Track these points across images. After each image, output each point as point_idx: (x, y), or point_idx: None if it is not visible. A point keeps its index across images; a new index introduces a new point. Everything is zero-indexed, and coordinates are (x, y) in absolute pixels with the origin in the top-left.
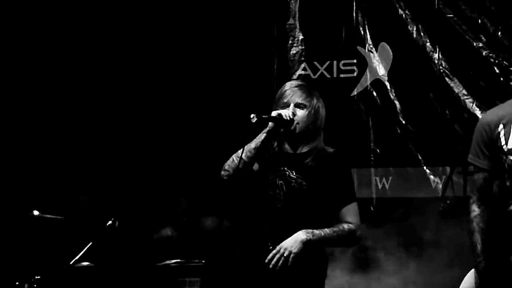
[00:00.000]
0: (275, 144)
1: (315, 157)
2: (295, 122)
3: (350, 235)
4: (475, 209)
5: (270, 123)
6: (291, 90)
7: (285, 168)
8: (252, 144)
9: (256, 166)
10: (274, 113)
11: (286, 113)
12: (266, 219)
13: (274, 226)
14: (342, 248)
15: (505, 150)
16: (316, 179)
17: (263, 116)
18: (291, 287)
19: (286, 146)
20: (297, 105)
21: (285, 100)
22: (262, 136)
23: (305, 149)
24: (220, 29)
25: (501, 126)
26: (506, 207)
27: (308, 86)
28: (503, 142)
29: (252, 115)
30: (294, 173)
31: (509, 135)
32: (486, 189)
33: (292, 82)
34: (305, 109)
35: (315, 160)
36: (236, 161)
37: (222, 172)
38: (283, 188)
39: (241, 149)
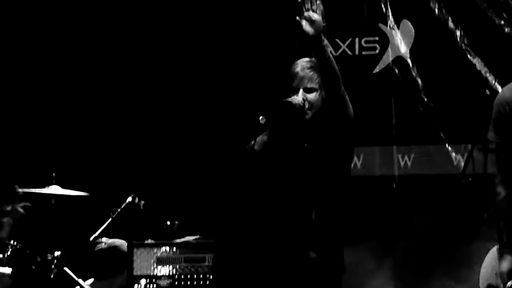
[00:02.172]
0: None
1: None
2: (306, 108)
3: (339, 79)
4: (501, 192)
5: (282, 115)
6: (302, 71)
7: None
8: (265, 138)
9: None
10: (285, 102)
11: (296, 101)
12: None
13: (286, 198)
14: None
15: None
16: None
17: (272, 111)
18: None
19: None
20: (307, 90)
21: (294, 84)
22: (273, 128)
23: (318, 125)
24: (239, 5)
25: None
26: None
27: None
28: None
29: (261, 117)
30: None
31: None
32: (510, 167)
33: (303, 61)
34: (315, 92)
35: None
36: (249, 151)
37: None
38: (295, 161)
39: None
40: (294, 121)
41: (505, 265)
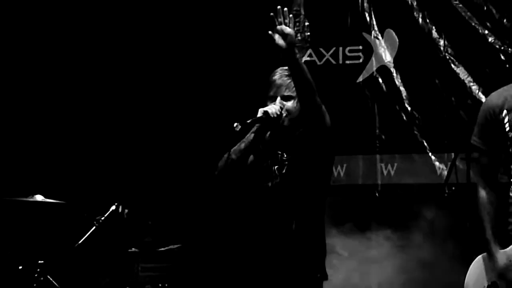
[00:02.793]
0: (268, 134)
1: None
2: (283, 116)
3: (314, 90)
4: (483, 195)
5: (257, 125)
6: (279, 79)
7: (279, 152)
8: (242, 145)
9: (250, 158)
10: (260, 112)
11: (273, 110)
12: (257, 206)
13: (266, 209)
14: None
15: (510, 136)
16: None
17: (247, 121)
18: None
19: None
20: (284, 98)
21: (272, 93)
22: (250, 136)
23: (297, 133)
24: (222, 15)
25: (505, 111)
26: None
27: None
28: (507, 129)
29: (235, 124)
30: (285, 155)
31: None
32: (491, 172)
33: (282, 69)
34: (292, 100)
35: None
36: (225, 161)
37: (215, 171)
38: (276, 172)
39: (227, 152)
40: (271, 129)
41: (500, 259)
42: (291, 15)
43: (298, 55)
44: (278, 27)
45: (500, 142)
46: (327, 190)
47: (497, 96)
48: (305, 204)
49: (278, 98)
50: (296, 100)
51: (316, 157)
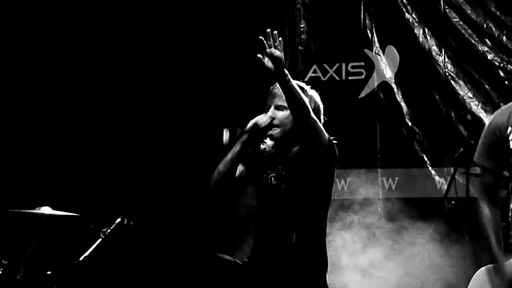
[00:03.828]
0: (265, 147)
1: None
2: (274, 125)
3: (306, 111)
4: (486, 211)
5: (244, 135)
6: (277, 89)
7: (279, 167)
8: (229, 156)
9: (243, 171)
10: (250, 123)
11: (262, 120)
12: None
13: (266, 222)
14: None
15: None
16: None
17: (238, 130)
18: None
19: (276, 147)
20: (277, 107)
21: (268, 102)
22: (236, 147)
23: (295, 148)
24: (230, 33)
25: (509, 128)
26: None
27: (298, 84)
28: (511, 146)
29: (224, 130)
30: (285, 171)
31: None
32: (495, 190)
33: None
34: (285, 110)
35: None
36: (215, 174)
37: (210, 183)
38: (276, 187)
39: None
40: (259, 140)
41: (508, 271)
42: (280, 38)
43: (287, 78)
44: (268, 50)
45: (504, 158)
46: (327, 204)
47: (502, 114)
48: (305, 218)
49: (272, 107)
50: (289, 111)
51: (314, 173)
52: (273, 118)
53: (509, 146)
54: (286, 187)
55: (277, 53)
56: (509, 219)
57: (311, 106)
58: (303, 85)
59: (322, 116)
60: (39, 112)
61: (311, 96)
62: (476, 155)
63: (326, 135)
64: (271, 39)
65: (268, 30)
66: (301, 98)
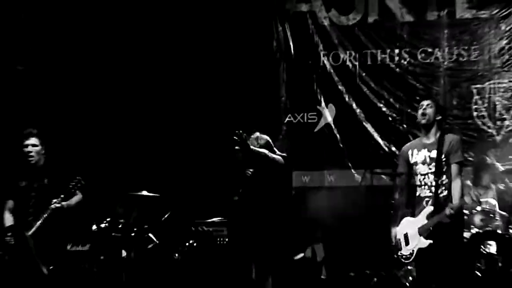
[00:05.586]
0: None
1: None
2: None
3: (270, 159)
4: (397, 196)
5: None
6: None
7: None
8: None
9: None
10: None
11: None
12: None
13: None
14: None
15: (412, 163)
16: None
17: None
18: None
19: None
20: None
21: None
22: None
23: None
24: (226, 18)
25: (410, 151)
26: (414, 193)
27: (256, 135)
28: (411, 160)
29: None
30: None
31: (413, 156)
32: (406, 182)
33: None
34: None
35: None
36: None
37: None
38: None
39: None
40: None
41: (393, 232)
42: (245, 134)
43: (250, 148)
44: (236, 146)
45: (409, 167)
46: (288, 197)
47: (407, 145)
48: (270, 204)
49: (257, 133)
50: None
51: (279, 177)
52: (257, 138)
53: (410, 160)
54: (250, 184)
55: (241, 147)
56: (416, 192)
57: (267, 144)
58: (258, 133)
59: (273, 146)
60: (48, 105)
61: (265, 138)
62: (398, 167)
63: (280, 156)
64: (240, 138)
65: (237, 131)
66: (262, 152)
